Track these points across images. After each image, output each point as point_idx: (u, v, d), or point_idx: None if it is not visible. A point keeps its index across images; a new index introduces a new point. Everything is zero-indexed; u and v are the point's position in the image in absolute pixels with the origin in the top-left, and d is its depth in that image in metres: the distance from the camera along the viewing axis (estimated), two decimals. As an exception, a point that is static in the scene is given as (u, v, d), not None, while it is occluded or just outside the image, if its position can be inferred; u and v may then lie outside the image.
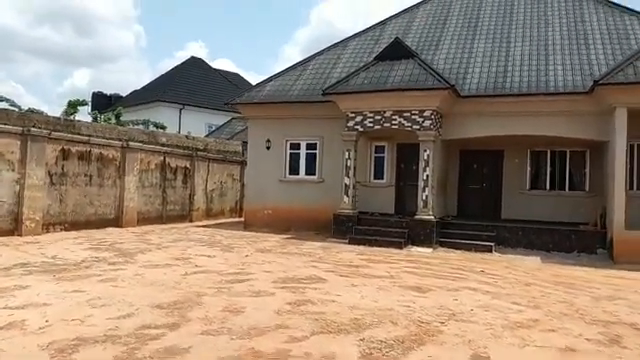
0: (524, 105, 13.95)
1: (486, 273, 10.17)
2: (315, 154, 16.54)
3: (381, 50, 16.08)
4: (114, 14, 76.81)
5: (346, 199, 14.63)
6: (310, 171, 16.61)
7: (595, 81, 12.30)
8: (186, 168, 18.27)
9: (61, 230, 13.45)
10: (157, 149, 16.90)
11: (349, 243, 13.60)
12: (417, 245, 13.37)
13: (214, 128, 38.47)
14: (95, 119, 29.38)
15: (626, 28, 15.18)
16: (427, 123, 13.82)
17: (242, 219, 20.82)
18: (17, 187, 12.24)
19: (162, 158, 17.11)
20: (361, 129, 14.56)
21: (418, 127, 13.93)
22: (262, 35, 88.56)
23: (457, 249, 13.36)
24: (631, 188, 12.96)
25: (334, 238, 14.31)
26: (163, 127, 28.89)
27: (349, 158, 14.64)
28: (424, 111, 13.86)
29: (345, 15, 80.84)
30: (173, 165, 17.63)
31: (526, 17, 16.80)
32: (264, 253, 11.62)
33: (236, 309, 6.40)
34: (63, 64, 79.03)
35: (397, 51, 14.90)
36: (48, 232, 13.03)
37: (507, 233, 13.82)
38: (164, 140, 17.76)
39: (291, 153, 16.88)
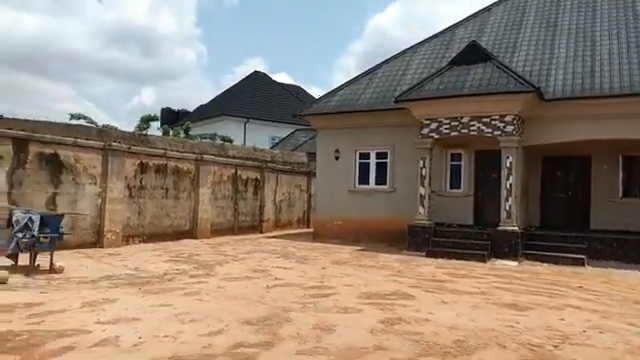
0: (614, 107, 12.89)
1: (585, 289, 9.32)
2: (386, 163, 16.10)
3: (455, 54, 15.52)
4: (177, 33, 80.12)
5: (421, 209, 14.06)
6: (380, 181, 16.18)
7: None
8: (256, 180, 18.34)
9: (139, 242, 13.74)
10: (229, 161, 17.06)
11: (427, 256, 13.01)
12: (501, 258, 12.58)
13: (277, 140, 38.90)
14: (165, 133, 30.38)
15: None
16: (509, 128, 13.07)
17: (310, 230, 20.72)
18: (99, 200, 12.62)
19: (233, 170, 17.25)
20: (436, 136, 13.99)
21: (499, 133, 13.19)
22: (317, 48, 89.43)
23: (544, 262, 12.46)
24: None
25: (409, 250, 13.77)
26: (230, 140, 29.41)
27: (424, 167, 14.09)
28: (505, 116, 13.11)
29: (399, 25, 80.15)
30: (244, 177, 17.74)
31: (611, 12, 15.65)
32: (340, 265, 11.29)
33: (327, 326, 6.06)
34: (130, 83, 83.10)
35: (473, 54, 14.25)
36: (127, 244, 13.34)
37: (599, 244, 12.76)
38: (234, 153, 17.95)
39: (361, 163, 16.54)
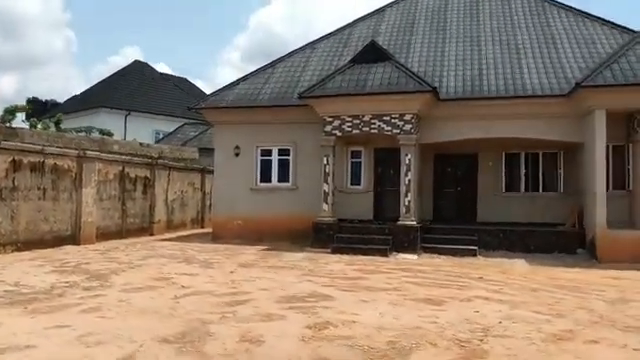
0: (500, 108, 13.95)
1: (484, 279, 9.89)
2: (288, 160, 15.87)
3: (353, 53, 15.79)
4: (42, 16, 72.61)
5: (326, 206, 14.05)
6: (283, 178, 15.91)
7: (577, 83, 12.41)
8: (146, 178, 17.05)
9: (13, 251, 12.01)
10: (116, 158, 15.63)
11: (332, 252, 13.01)
12: (402, 252, 12.98)
13: (162, 135, 36.85)
14: (33, 126, 27.19)
15: (590, 33, 15.57)
16: (408, 127, 13.52)
17: (206, 230, 19.85)
18: (-39, 204, 10.80)
19: (120, 168, 15.85)
20: (339, 134, 14.05)
21: (398, 131, 13.59)
22: (199, 40, 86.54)
23: (441, 254, 13.10)
24: (607, 189, 13.16)
25: (315, 248, 13.69)
26: (110, 134, 27.14)
27: (327, 164, 14.09)
28: (404, 115, 13.55)
29: (284, 20, 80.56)
30: (132, 175, 16.38)
31: (492, 19, 16.93)
32: (248, 268, 10.82)
33: (254, 338, 5.64)
34: None
35: (372, 54, 14.53)
36: (-1, 254, 11.59)
37: (488, 236, 13.73)
38: (116, 148, 16.46)
39: (262, 160, 16.12)
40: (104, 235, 14.88)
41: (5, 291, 7.83)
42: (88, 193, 14.20)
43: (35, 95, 48.85)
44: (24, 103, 38.42)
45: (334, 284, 9.03)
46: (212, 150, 25.84)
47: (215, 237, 16.23)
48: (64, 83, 74.15)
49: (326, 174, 14.06)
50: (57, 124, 28.34)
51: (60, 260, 11.26)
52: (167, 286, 8.62)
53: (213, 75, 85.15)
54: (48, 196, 13.06)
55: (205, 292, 8.15)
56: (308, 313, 6.86)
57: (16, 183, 12.14)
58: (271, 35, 75.33)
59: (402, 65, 14.19)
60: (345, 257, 12.53)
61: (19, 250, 12.14)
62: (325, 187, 14.05)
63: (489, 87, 14.09)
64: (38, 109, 41.79)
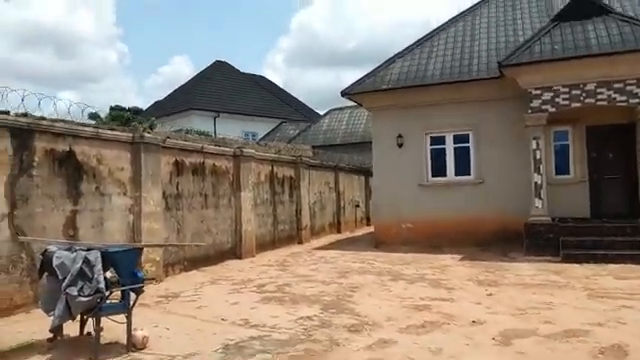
0: None
1: None
2: (468, 148, 13.13)
3: (529, 13, 12.91)
4: (95, 33, 73.99)
5: (538, 203, 11.20)
6: (462, 171, 13.20)
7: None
8: (291, 178, 14.81)
9: (180, 271, 9.94)
10: (266, 156, 13.45)
11: (564, 261, 10.16)
12: (662, 257, 9.93)
13: (251, 136, 35.14)
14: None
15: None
16: (650, 95, 10.47)
17: (347, 235, 17.54)
18: (131, 217, 8.76)
19: (270, 167, 13.65)
20: (552, 109, 11.17)
21: (637, 101, 10.56)
22: (244, 45, 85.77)
23: None
24: None
25: (531, 255, 10.87)
26: (208, 135, 25.45)
27: (537, 148, 11.24)
28: (644, 79, 10.50)
29: (326, 20, 78.61)
30: (280, 175, 14.17)
31: None
32: (495, 287, 8.18)
33: None
34: (46, 87, 75.37)
35: (584, 7, 11.54)
36: (167, 275, 9.52)
37: None
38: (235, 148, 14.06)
39: (433, 149, 13.47)
40: (261, 246, 12.70)
41: (251, 338, 5.53)
42: (246, 197, 12.05)
43: (93, 109, 48.76)
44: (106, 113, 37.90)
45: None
46: (321, 147, 23.76)
47: (379, 243, 13.73)
48: (121, 96, 75.14)
49: (537, 161, 11.21)
50: (151, 128, 27.00)
51: (247, 281, 9.02)
52: (445, 320, 6.10)
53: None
54: (210, 203, 10.97)
55: (528, 332, 5.56)
56: None
57: (180, 189, 10.09)
58: (313, 36, 73.96)
59: (631, 17, 11.12)
60: (591, 266, 9.66)
61: (186, 270, 10.05)
62: (536, 178, 11.21)
63: None
64: (120, 116, 41.33)
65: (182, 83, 43.60)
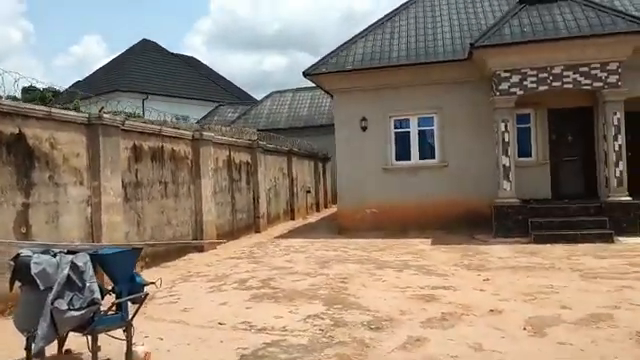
0: None
1: None
2: (432, 131, 12.99)
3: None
4: None
5: (507, 185, 11.28)
6: (426, 154, 13.06)
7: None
8: (247, 164, 13.98)
9: (142, 268, 8.88)
10: (224, 140, 12.53)
11: (536, 242, 10.27)
12: (623, 235, 10.31)
13: (183, 120, 33.37)
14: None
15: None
16: (613, 79, 10.77)
17: (303, 222, 16.98)
18: (89, 210, 7.66)
19: (228, 152, 12.75)
20: (520, 92, 11.21)
21: (601, 84, 10.84)
22: (160, 26, 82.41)
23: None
24: None
25: (500, 237, 10.94)
26: (139, 117, 23.79)
27: (506, 131, 11.28)
28: (608, 63, 10.76)
29: (247, 2, 77.42)
30: (237, 161, 13.30)
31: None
32: (490, 272, 8.02)
33: None
34: None
35: (548, -9, 11.65)
36: (129, 273, 8.49)
37: None
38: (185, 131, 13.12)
39: (397, 133, 13.21)
40: (221, 237, 11.83)
41: (266, 344, 4.86)
42: (206, 185, 11.13)
43: None
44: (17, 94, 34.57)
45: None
46: (264, 131, 22.85)
47: (342, 230, 13.35)
48: (30, 75, 69.30)
49: (505, 144, 11.25)
50: (76, 110, 24.83)
51: (222, 276, 8.22)
52: (462, 311, 5.77)
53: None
54: (169, 192, 9.97)
55: (553, 319, 5.34)
56: None
57: (139, 177, 9.03)
58: (234, 18, 72.56)
59: (593, 2, 11.33)
60: (564, 247, 9.81)
61: (147, 266, 9.05)
62: (505, 161, 11.25)
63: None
64: (37, 99, 37.87)
65: (104, 63, 40.70)
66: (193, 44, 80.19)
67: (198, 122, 31.01)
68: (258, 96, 39.47)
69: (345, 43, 13.68)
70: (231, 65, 76.69)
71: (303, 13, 75.04)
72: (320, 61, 13.37)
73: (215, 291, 7.33)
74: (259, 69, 73.55)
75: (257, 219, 14.25)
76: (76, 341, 4.35)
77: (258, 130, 21.70)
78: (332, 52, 13.50)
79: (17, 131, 6.44)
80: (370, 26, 14.02)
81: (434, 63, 12.47)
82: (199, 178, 10.95)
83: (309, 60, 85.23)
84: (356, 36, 13.82)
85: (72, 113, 7.45)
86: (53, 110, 7.03)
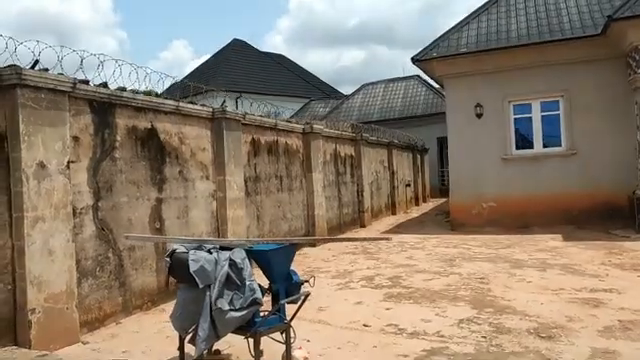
0: None
1: None
2: (557, 116, 11.82)
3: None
4: (94, 21, 72.84)
5: (654, 173, 9.95)
6: (551, 142, 11.92)
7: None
8: (352, 157, 13.59)
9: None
10: (331, 133, 12.25)
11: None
12: None
13: (275, 116, 33.86)
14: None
15: None
16: None
17: (405, 217, 16.34)
18: (214, 204, 7.60)
19: (334, 146, 12.44)
20: (669, 68, 9.82)
21: None
22: (243, 27, 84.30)
23: None
24: None
25: (646, 233, 9.67)
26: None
27: (652, 112, 9.93)
28: None
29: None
30: (342, 154, 12.96)
31: None
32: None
33: None
34: None
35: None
36: (249, 269, 8.39)
37: None
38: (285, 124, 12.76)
39: (517, 119, 12.18)
40: (329, 231, 11.55)
41: (426, 351, 4.36)
42: (317, 179, 10.87)
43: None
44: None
45: None
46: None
47: (456, 225, 12.55)
48: (121, 82, 74.27)
49: (649, 127, 9.93)
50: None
51: (345, 273, 7.86)
52: (651, 321, 4.92)
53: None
54: (284, 186, 9.81)
55: None
56: None
57: (257, 171, 8.91)
58: (312, 15, 72.22)
59: None
60: None
61: (266, 261, 8.91)
62: (651, 146, 9.93)
63: None
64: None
65: (192, 64, 42.44)
66: (274, 42, 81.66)
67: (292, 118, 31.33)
68: (341, 90, 39.31)
69: (456, 25, 12.83)
70: (310, 61, 77.24)
71: (379, 6, 73.78)
72: (429, 46, 12.63)
73: (344, 288, 6.97)
74: (338, 64, 73.21)
75: (362, 213, 13.83)
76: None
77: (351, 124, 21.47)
78: (442, 36, 12.71)
79: (149, 126, 6.44)
80: (482, 6, 13.04)
81: (561, 40, 11.28)
82: (310, 172, 10.70)
83: (387, 53, 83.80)
84: (468, 17, 12.91)
85: (198, 107, 7.37)
86: (181, 104, 6.99)
